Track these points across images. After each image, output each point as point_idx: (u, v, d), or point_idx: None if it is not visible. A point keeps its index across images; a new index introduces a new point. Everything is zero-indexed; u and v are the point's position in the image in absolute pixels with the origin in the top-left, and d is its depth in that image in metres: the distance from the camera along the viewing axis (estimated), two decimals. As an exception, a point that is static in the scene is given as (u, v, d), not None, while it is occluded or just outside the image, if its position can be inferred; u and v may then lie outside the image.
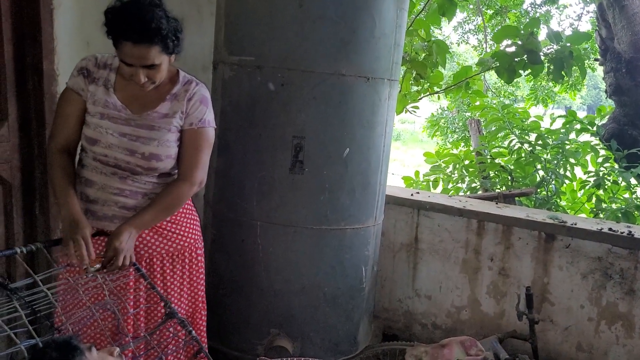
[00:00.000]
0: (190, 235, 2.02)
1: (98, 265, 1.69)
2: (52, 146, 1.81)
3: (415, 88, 4.30)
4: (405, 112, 4.43)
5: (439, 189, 4.86)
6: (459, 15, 10.31)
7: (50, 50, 2.26)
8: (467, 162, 4.90)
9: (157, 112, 1.80)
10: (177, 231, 1.98)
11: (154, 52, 1.64)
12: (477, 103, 5.29)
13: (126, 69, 1.69)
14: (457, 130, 8.64)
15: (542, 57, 3.85)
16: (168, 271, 1.97)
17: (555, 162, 4.33)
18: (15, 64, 2.25)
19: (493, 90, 10.10)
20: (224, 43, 2.54)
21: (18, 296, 1.44)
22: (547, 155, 4.49)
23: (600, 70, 6.95)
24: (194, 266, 2.06)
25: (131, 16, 1.60)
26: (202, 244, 2.11)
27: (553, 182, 4.37)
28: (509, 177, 4.53)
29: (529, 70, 3.94)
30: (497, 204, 3.42)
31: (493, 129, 4.77)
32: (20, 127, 2.30)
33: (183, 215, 2.00)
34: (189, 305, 2.07)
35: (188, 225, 2.02)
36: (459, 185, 4.87)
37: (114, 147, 1.77)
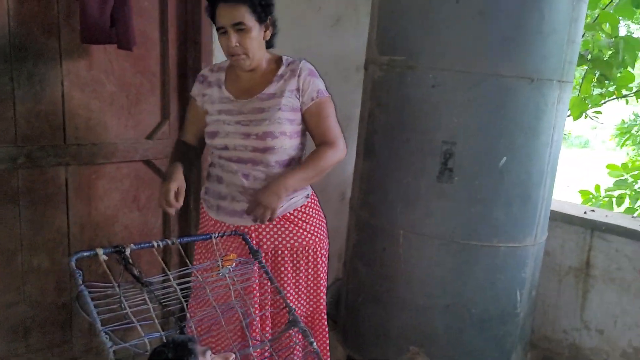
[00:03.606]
0: (317, 233, 2.00)
1: (230, 267, 1.70)
2: (178, 137, 2.06)
3: (598, 91, 3.77)
4: (585, 118, 3.91)
5: (624, 207, 4.21)
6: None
7: (208, 53, 2.37)
8: (663, 178, 4.18)
9: (264, 93, 1.86)
10: (305, 226, 1.96)
11: (242, 10, 1.74)
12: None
13: (223, 40, 1.79)
14: (655, 140, 7.47)
15: None
16: (289, 267, 1.96)
17: None
18: (178, 67, 2.40)
19: None
20: (376, 42, 2.44)
21: (149, 289, 1.50)
22: None
23: None
24: (318, 266, 2.01)
25: None
26: (327, 247, 2.06)
27: None
28: None
29: None
30: (697, 230, 2.84)
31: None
32: (180, 125, 2.44)
33: (310, 210, 1.99)
34: (308, 308, 2.04)
35: (315, 222, 2.00)
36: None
37: (231, 134, 1.85)
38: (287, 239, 1.94)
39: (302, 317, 2.01)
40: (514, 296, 2.43)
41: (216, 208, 1.93)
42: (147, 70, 2.35)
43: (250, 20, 1.75)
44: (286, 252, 1.94)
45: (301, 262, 1.97)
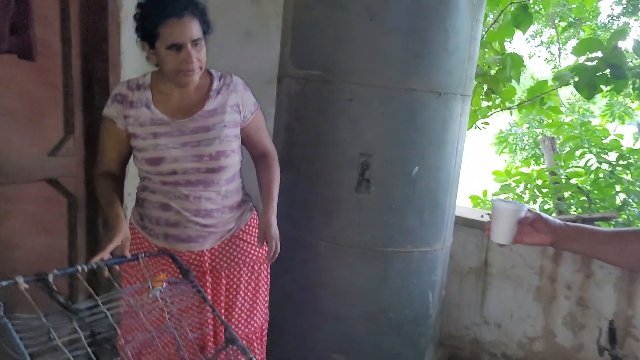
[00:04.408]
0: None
1: (161, 287, 1.63)
2: (96, 171, 1.84)
3: (485, 103, 4.10)
4: (475, 128, 4.23)
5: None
6: (531, 27, 9.89)
7: (116, 64, 2.26)
8: (539, 182, 4.62)
9: (205, 110, 1.78)
10: (251, 240, 1.95)
11: (197, 24, 1.67)
12: (552, 120, 5.00)
13: (173, 57, 1.66)
14: (527, 147, 8.25)
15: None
16: (244, 283, 1.95)
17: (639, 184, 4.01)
18: (83, 78, 2.26)
19: (567, 106, 9.62)
20: (290, 56, 2.47)
21: (78, 317, 1.40)
22: (628, 176, 4.17)
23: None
24: (265, 279, 2.03)
25: None
26: None
27: (635, 205, 4.04)
28: (586, 199, 4.23)
29: (611, 86, 3.66)
30: (575, 228, 3.18)
31: (568, 147, 4.47)
32: (86, 141, 2.30)
33: (255, 222, 1.98)
34: (265, 318, 2.05)
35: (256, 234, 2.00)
36: (531, 206, 4.60)
37: (180, 158, 1.74)
38: (243, 257, 1.91)
39: (257, 332, 2.01)
40: (427, 298, 2.55)
41: (164, 236, 1.82)
42: (50, 82, 2.19)
43: (201, 36, 1.69)
44: (243, 269, 1.92)
45: (257, 274, 1.97)
